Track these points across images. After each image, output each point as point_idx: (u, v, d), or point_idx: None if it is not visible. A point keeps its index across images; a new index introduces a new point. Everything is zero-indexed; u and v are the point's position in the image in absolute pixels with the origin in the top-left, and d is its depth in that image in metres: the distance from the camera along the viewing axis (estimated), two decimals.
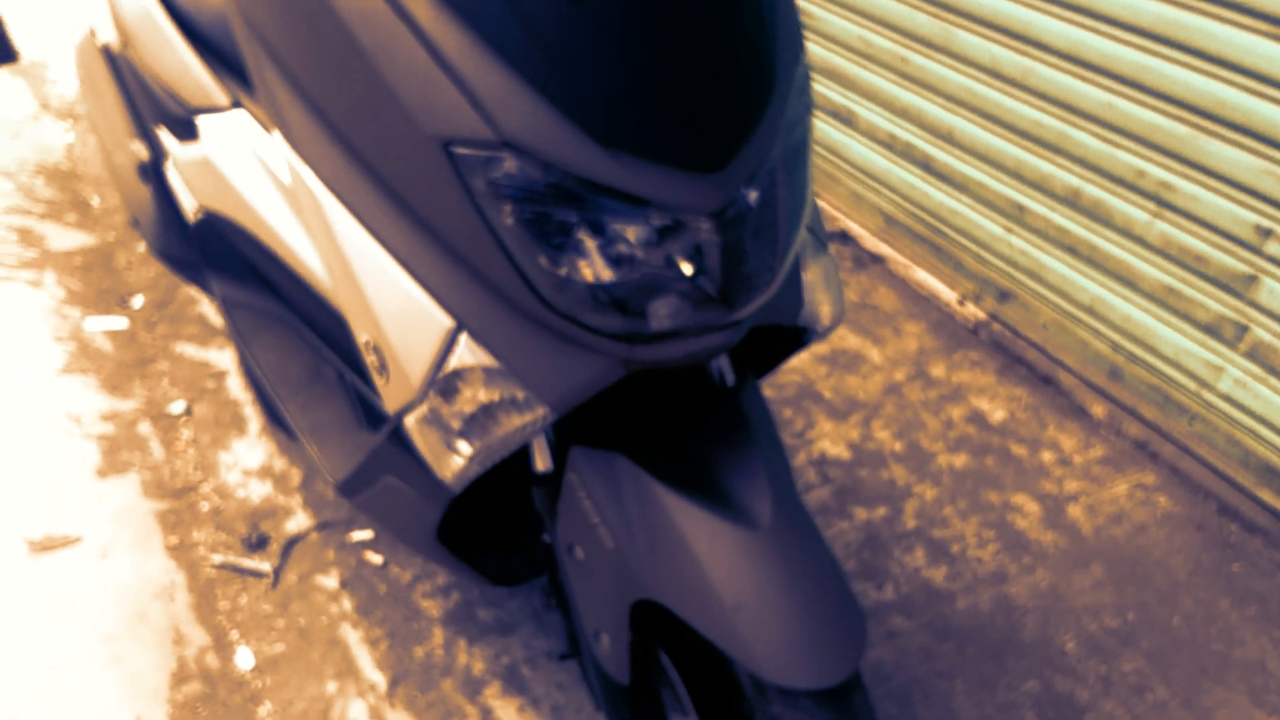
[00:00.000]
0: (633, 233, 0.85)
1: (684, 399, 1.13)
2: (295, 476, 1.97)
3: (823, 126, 2.70)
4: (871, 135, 2.55)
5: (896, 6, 2.33)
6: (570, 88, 0.81)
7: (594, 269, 0.86)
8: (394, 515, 1.21)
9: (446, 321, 0.92)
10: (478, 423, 0.96)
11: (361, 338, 1.01)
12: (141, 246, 2.64)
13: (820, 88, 2.65)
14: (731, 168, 0.87)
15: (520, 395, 0.95)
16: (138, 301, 2.44)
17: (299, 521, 1.88)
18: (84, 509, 1.87)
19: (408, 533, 1.22)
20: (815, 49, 2.62)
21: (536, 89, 0.81)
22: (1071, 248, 2.11)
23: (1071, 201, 2.07)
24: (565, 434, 1.09)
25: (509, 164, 0.82)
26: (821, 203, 2.77)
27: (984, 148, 2.24)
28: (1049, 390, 2.20)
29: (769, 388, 2.18)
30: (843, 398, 2.16)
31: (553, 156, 0.82)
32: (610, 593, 1.04)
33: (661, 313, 0.90)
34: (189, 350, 2.29)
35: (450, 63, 0.81)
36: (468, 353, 0.93)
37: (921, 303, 2.45)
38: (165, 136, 1.68)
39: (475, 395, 0.95)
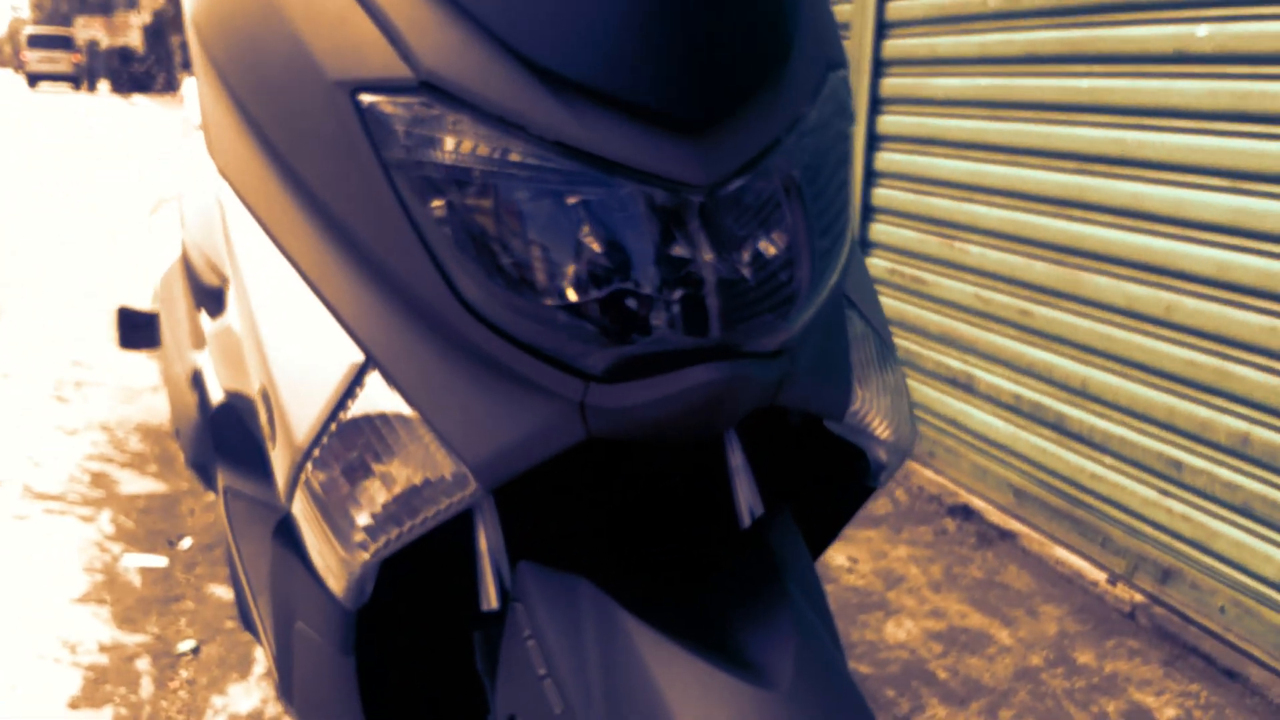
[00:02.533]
0: (591, 208, 0.63)
1: (686, 526, 0.84)
2: None
3: (938, 396, 2.46)
4: (994, 399, 2.29)
5: (1012, 258, 2.17)
6: (509, 8, 0.63)
7: (540, 259, 0.64)
8: (316, 694, 0.89)
9: (353, 355, 0.69)
10: (381, 495, 0.69)
11: (255, 386, 0.77)
12: (209, 495, 2.52)
13: (935, 355, 2.45)
14: (726, 134, 0.65)
15: (441, 458, 0.68)
16: (185, 543, 2.28)
17: None
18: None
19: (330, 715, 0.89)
20: (928, 315, 2.45)
21: (466, 13, 0.63)
22: (1245, 508, 1.73)
23: (1239, 451, 1.73)
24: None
25: (429, 112, 0.63)
26: (940, 479, 2.46)
27: (1127, 399, 1.95)
28: (1235, 687, 1.72)
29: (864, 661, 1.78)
30: (962, 680, 1.74)
31: (486, 98, 0.62)
32: None
33: (627, 325, 0.66)
34: (219, 591, 2.08)
35: None
36: (376, 396, 0.69)
37: (1062, 583, 2.05)
38: (204, 319, 1.58)
39: (381, 455, 0.69)
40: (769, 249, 0.69)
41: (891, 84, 2.49)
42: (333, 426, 0.70)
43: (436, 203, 0.64)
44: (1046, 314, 2.10)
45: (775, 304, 0.70)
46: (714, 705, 0.63)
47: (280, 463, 0.74)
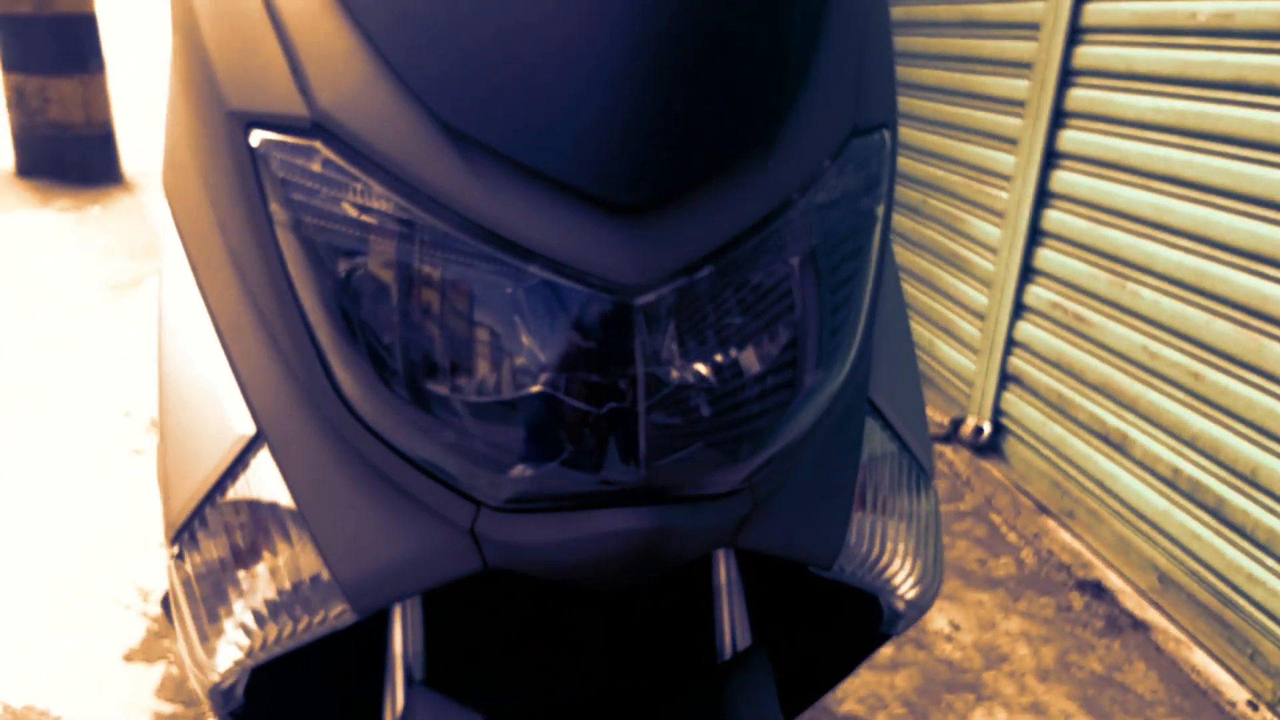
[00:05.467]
0: (497, 303, 0.51)
1: (648, 653, 0.71)
2: None
3: (1087, 451, 2.19)
4: (1149, 467, 2.01)
5: (1189, 311, 1.88)
6: (418, 51, 0.51)
7: (429, 359, 0.52)
8: None
9: (244, 427, 0.60)
10: (249, 598, 0.61)
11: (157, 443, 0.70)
12: None
13: (1090, 406, 2.18)
14: (680, 222, 0.51)
15: (316, 568, 0.59)
16: None
17: None
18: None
19: None
20: (1087, 360, 2.18)
21: (377, 50, 0.52)
22: None
23: None
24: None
25: (317, 159, 0.52)
26: (1075, 544, 2.20)
27: None
28: None
29: None
30: None
31: (384, 152, 0.51)
32: None
33: (525, 452, 0.53)
34: None
35: (279, 15, 0.54)
36: (262, 478, 0.60)
37: (1195, 694, 1.78)
38: None
39: (256, 549, 0.60)
40: (732, 364, 0.55)
41: (1078, 96, 2.20)
42: (214, 502, 0.62)
43: (318, 271, 0.54)
44: (1221, 381, 1.81)
45: (732, 437, 0.57)
46: None
47: (169, 534, 0.66)
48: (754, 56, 0.53)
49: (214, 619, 0.62)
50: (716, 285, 0.53)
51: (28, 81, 5.05)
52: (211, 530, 0.62)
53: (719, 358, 0.54)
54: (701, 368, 0.53)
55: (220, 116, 0.57)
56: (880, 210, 0.62)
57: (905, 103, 3.06)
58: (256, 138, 0.54)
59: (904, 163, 3.08)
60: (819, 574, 0.70)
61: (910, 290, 3.07)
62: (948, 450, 2.62)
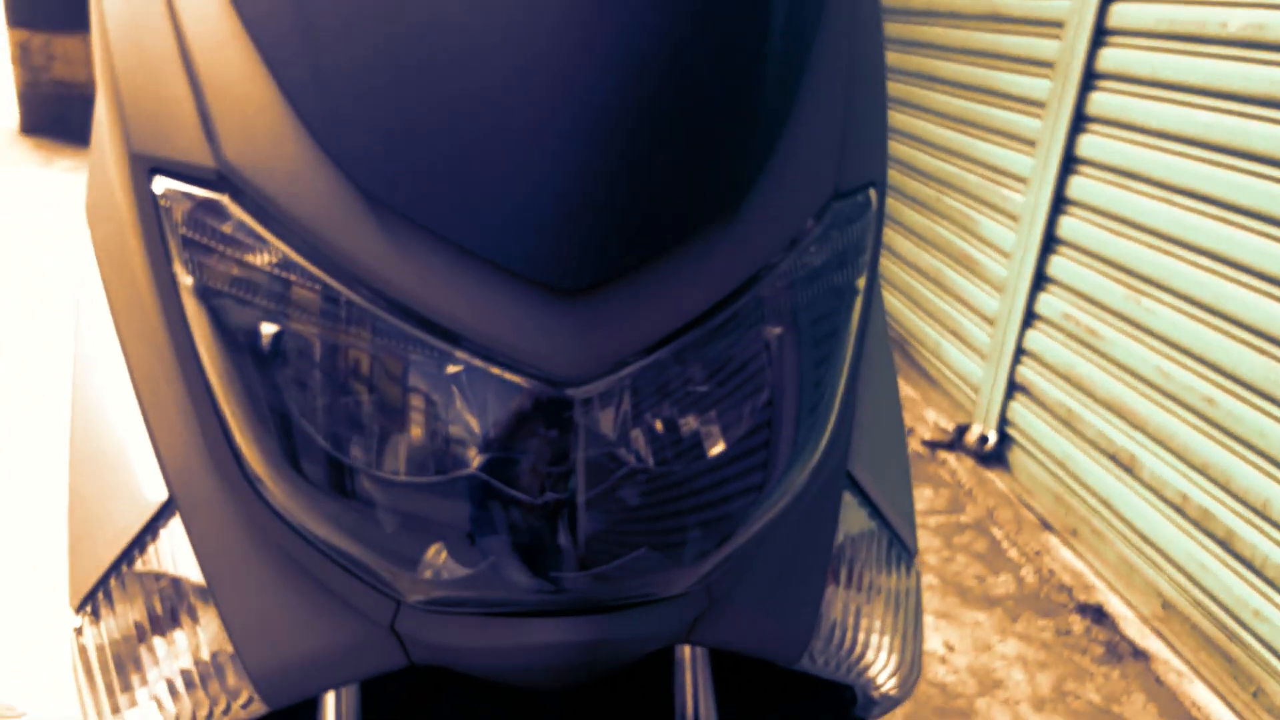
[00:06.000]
0: (412, 386, 0.46)
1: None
2: None
3: (1094, 469, 2.13)
4: (1156, 491, 1.95)
5: (1206, 333, 1.81)
6: (335, 108, 0.45)
7: (336, 443, 0.47)
8: None
9: (157, 492, 0.55)
10: (154, 684, 0.56)
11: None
12: None
13: (1098, 423, 2.11)
14: (625, 302, 0.45)
15: (226, 653, 0.54)
16: None
17: None
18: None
19: None
20: (1097, 375, 2.11)
21: (291, 104, 0.45)
22: None
23: None
24: None
25: (223, 215, 0.46)
26: (1077, 566, 2.15)
27: None
28: None
29: None
30: None
31: (293, 213, 0.45)
32: None
33: (441, 552, 0.48)
34: None
35: (190, 52, 0.48)
36: (173, 549, 0.55)
37: None
38: None
39: (162, 627, 0.56)
40: (685, 459, 0.49)
41: (1100, 100, 2.12)
42: (121, 571, 0.57)
43: (222, 337, 0.48)
44: (1236, 409, 1.74)
45: (685, 539, 0.51)
46: None
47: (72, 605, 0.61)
48: (717, 116, 0.46)
49: (125, 689, 0.57)
50: (669, 373, 0.47)
51: (33, 38, 4.98)
52: (120, 598, 0.57)
53: (670, 452, 0.48)
54: (650, 463, 0.48)
55: (125, 156, 0.51)
56: (862, 281, 0.56)
57: (923, 96, 2.97)
58: (160, 185, 0.48)
59: (919, 158, 3.00)
60: (788, 668, 0.65)
61: (919, 290, 2.99)
62: (951, 458, 2.56)
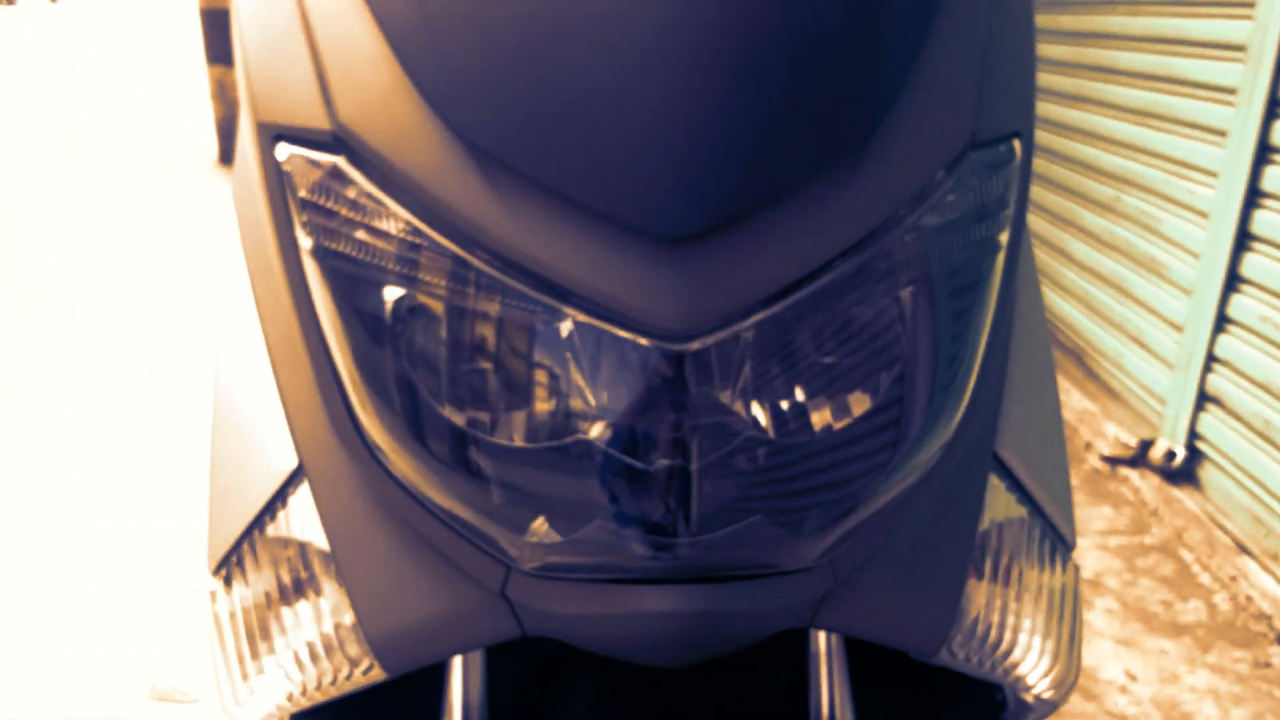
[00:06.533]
0: (520, 345, 0.45)
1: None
2: None
3: None
4: None
5: None
6: (441, 61, 0.44)
7: (447, 405, 0.47)
8: None
9: (288, 460, 0.57)
10: (281, 643, 0.58)
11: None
12: None
13: None
14: (733, 250, 0.43)
15: (347, 618, 0.56)
16: None
17: None
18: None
19: None
20: None
21: (400, 59, 0.45)
22: None
23: None
24: None
25: (338, 177, 0.47)
26: (1279, 591, 1.95)
27: None
28: None
29: None
30: None
31: (405, 172, 0.45)
32: None
33: (552, 514, 0.48)
34: None
35: (309, 17, 0.49)
36: (300, 517, 0.57)
37: None
38: None
39: (290, 592, 0.58)
40: (805, 421, 0.47)
41: None
42: (254, 536, 0.59)
43: (339, 301, 0.49)
44: None
45: (802, 505, 0.48)
46: None
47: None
48: (837, 53, 0.43)
49: (255, 656, 0.59)
50: (785, 331, 0.44)
51: (228, 74, 5.38)
52: (251, 565, 0.59)
53: (787, 416, 0.45)
54: (765, 426, 0.45)
55: (254, 127, 0.52)
56: (1004, 236, 0.51)
57: (1098, 90, 2.80)
58: (283, 151, 0.49)
59: (1094, 155, 2.83)
60: (929, 663, 0.60)
61: (1097, 296, 2.81)
62: (1134, 475, 2.39)
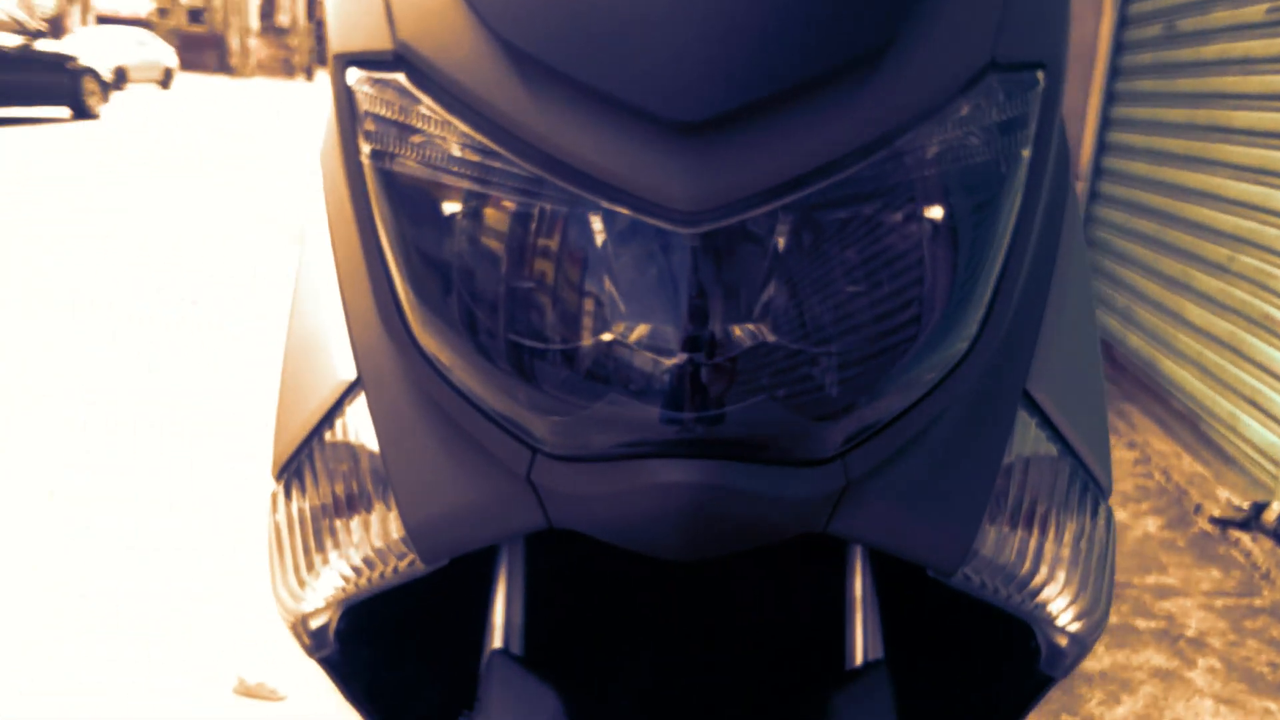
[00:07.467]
0: (544, 230, 0.49)
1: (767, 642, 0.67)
2: None
3: None
4: None
5: None
6: None
7: (481, 287, 0.51)
8: None
9: (347, 371, 0.62)
10: (336, 540, 0.63)
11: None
12: None
13: None
14: (751, 139, 0.46)
15: (393, 513, 0.60)
16: None
17: None
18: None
19: None
20: None
21: None
22: None
23: None
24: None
25: (398, 91, 0.52)
26: None
27: None
28: None
29: None
30: None
31: (455, 77, 0.49)
32: None
33: (576, 395, 0.51)
34: None
35: None
36: (357, 424, 0.62)
37: None
38: None
39: (346, 494, 0.63)
40: (814, 310, 0.49)
41: None
42: (313, 444, 0.65)
43: (392, 205, 0.54)
44: None
45: (811, 389, 0.50)
46: None
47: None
48: None
49: (308, 554, 0.64)
50: (797, 221, 0.47)
51: None
52: (310, 471, 0.64)
53: (795, 303, 0.48)
54: (773, 311, 0.48)
55: (331, 60, 0.57)
56: (1024, 157, 0.53)
57: (1213, 149, 2.75)
58: (352, 75, 0.54)
59: (1208, 216, 2.77)
60: (951, 585, 0.62)
61: (1211, 358, 2.73)
62: (1245, 537, 2.28)
